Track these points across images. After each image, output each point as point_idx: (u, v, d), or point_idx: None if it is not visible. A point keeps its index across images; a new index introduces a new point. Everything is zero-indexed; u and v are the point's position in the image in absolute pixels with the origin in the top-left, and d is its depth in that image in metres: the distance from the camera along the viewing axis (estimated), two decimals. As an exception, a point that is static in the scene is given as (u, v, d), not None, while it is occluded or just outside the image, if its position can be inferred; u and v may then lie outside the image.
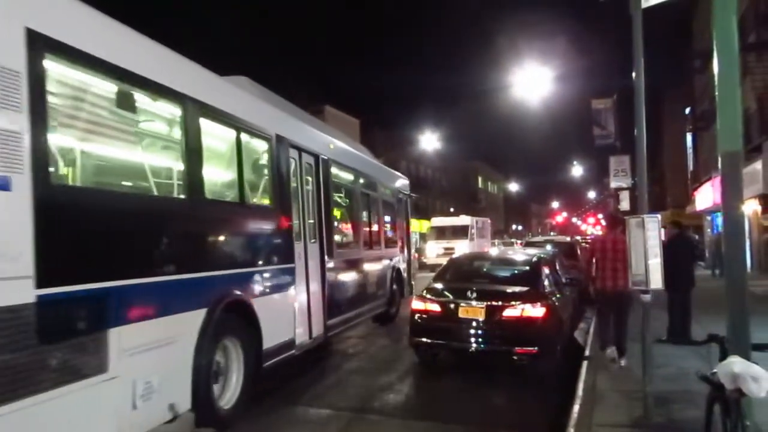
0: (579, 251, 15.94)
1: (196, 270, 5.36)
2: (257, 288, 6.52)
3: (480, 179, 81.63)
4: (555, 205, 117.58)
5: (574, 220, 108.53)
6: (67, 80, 4.15)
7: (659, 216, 5.82)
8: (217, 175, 6.31)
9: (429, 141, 45.61)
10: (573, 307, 9.56)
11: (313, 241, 8.29)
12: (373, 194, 11.86)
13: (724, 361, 3.39)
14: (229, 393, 5.93)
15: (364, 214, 11.15)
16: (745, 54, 19.50)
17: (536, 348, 7.44)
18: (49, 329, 3.67)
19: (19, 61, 3.59)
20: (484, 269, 9.32)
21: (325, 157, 8.92)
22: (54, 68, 3.93)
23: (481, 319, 7.60)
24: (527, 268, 8.93)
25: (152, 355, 4.65)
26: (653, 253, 5.42)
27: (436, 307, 8.02)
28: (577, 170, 64.43)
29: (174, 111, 5.35)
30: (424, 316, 8.09)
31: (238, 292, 6.07)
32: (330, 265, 8.68)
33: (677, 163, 41.31)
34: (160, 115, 5.34)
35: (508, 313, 7.55)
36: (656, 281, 5.42)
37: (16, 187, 3.49)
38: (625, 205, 24.55)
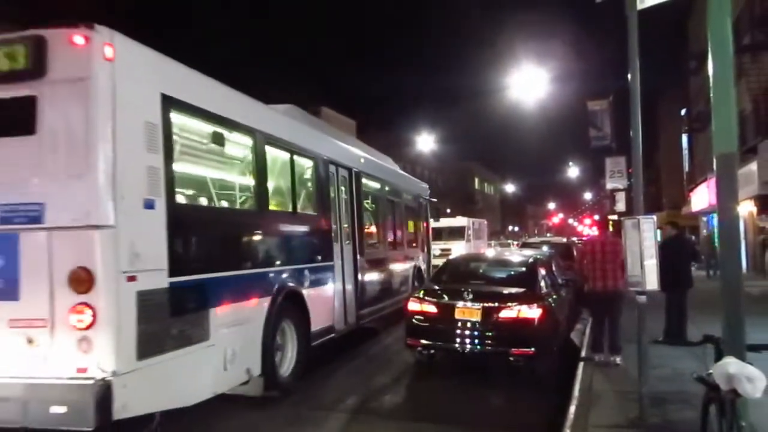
0: (575, 252, 15.97)
1: (265, 266, 6.84)
2: (307, 281, 7.84)
3: (476, 180, 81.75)
4: (551, 206, 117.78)
5: (571, 221, 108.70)
6: (183, 126, 5.65)
7: (655, 217, 5.83)
8: (278, 190, 7.75)
9: (425, 142, 45.72)
10: (569, 308, 9.57)
11: (347, 242, 9.57)
12: (397, 200, 13.21)
13: (719, 362, 3.39)
14: (286, 365, 7.22)
15: (390, 218, 12.56)
16: (740, 55, 19.58)
17: (533, 349, 7.44)
18: (175, 306, 5.09)
19: (156, 117, 5.07)
20: (481, 270, 9.31)
21: (357, 170, 10.29)
22: (176, 119, 5.40)
23: (477, 320, 7.59)
24: (524, 269, 8.94)
25: (236, 330, 6.02)
26: (649, 254, 5.42)
27: (432, 308, 8.01)
28: (573, 171, 64.59)
29: (249, 142, 6.80)
30: (420, 317, 8.08)
31: (293, 285, 7.41)
32: (361, 263, 9.99)
33: (673, 164, 41.39)
34: (240, 145, 6.77)
35: (505, 314, 7.55)
36: (652, 282, 5.42)
37: (157, 207, 4.96)
38: (621, 206, 24.60)
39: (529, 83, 23.98)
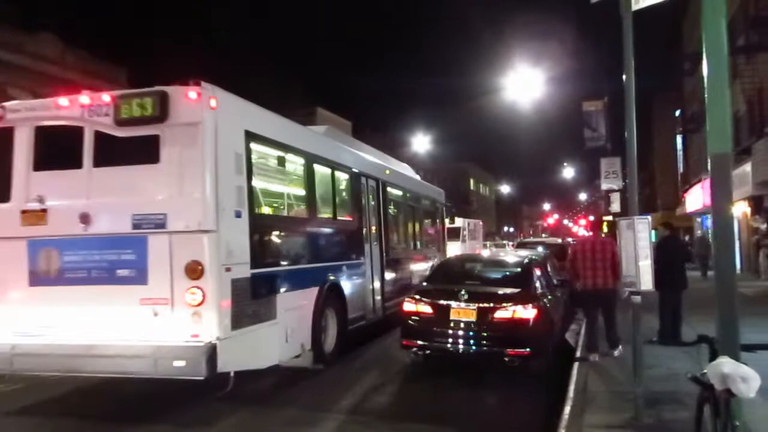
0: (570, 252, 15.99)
1: (315, 262, 8.41)
2: (344, 276, 9.35)
3: (472, 181, 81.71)
4: (546, 207, 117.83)
5: (566, 222, 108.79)
6: (258, 153, 7.15)
7: (650, 217, 5.84)
8: (323, 200, 9.18)
9: (421, 143, 45.72)
10: (564, 309, 9.58)
11: (375, 243, 11.05)
12: (417, 205, 14.77)
13: (713, 362, 3.40)
14: (328, 343, 8.64)
15: (410, 221, 14.12)
16: (734, 57, 19.62)
17: (528, 349, 7.44)
18: (255, 291, 6.57)
19: (241, 148, 6.60)
20: (476, 271, 9.31)
21: (383, 180, 11.87)
22: (253, 147, 6.90)
23: (472, 320, 7.59)
24: (519, 269, 8.94)
25: (294, 312, 7.50)
26: (644, 254, 5.43)
27: (427, 309, 8.00)
28: (568, 172, 64.68)
29: (302, 161, 8.40)
30: (415, 317, 8.07)
31: (334, 278, 8.90)
32: (387, 261, 11.51)
33: (667, 165, 41.54)
34: (296, 164, 8.33)
35: (500, 314, 7.54)
36: (647, 282, 5.43)
37: (243, 216, 6.47)
38: (616, 206, 24.63)
39: (524, 84, 23.99)
